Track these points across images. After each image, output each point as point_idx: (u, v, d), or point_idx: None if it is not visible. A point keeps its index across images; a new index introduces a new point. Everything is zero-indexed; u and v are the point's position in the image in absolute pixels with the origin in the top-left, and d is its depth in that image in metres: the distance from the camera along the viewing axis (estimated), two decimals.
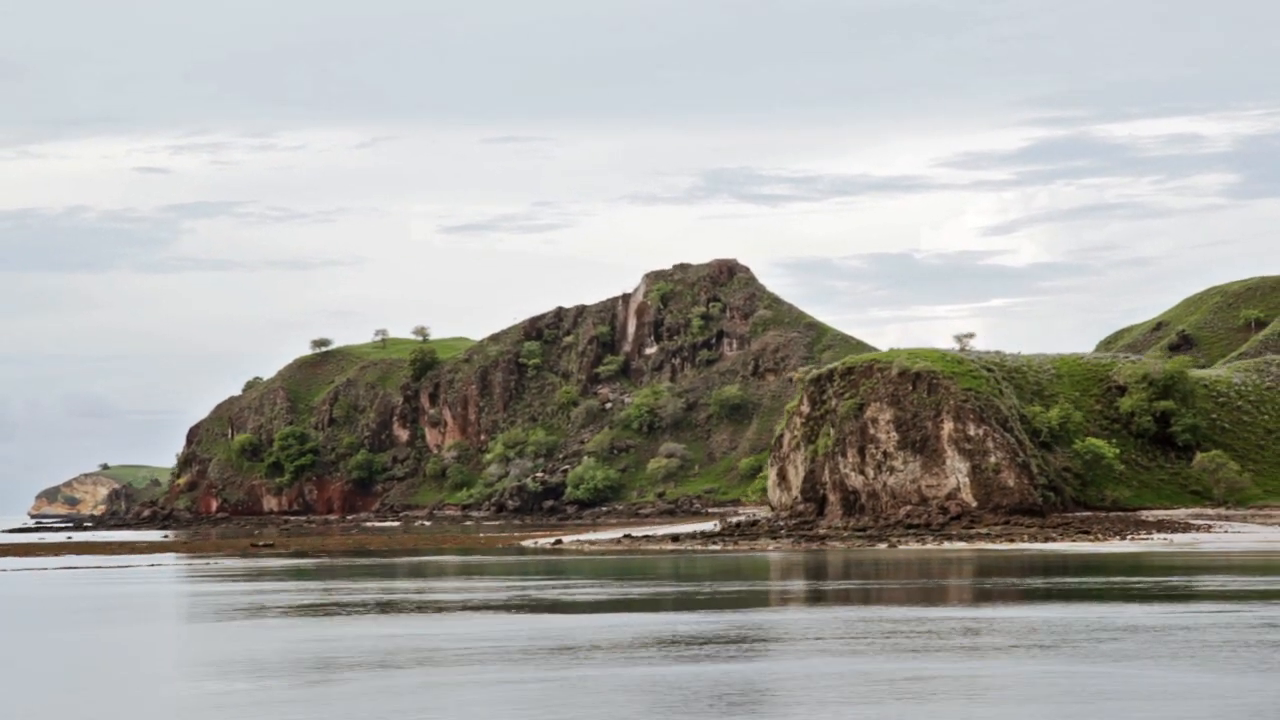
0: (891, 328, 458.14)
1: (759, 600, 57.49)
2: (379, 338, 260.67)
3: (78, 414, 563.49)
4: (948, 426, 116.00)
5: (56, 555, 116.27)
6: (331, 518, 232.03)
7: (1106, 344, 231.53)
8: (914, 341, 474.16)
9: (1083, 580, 65.91)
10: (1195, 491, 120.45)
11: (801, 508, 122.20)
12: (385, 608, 55.92)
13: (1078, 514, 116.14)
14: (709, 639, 41.60)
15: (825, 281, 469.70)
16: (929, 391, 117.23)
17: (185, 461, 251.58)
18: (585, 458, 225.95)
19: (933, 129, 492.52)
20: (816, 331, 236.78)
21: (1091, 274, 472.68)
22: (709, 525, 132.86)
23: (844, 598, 57.36)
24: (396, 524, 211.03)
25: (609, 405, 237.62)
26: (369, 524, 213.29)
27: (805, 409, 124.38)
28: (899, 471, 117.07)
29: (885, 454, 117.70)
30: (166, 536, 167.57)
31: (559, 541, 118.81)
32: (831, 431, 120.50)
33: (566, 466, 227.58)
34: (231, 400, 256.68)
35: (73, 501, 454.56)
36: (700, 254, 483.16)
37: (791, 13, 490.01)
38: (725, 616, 48.86)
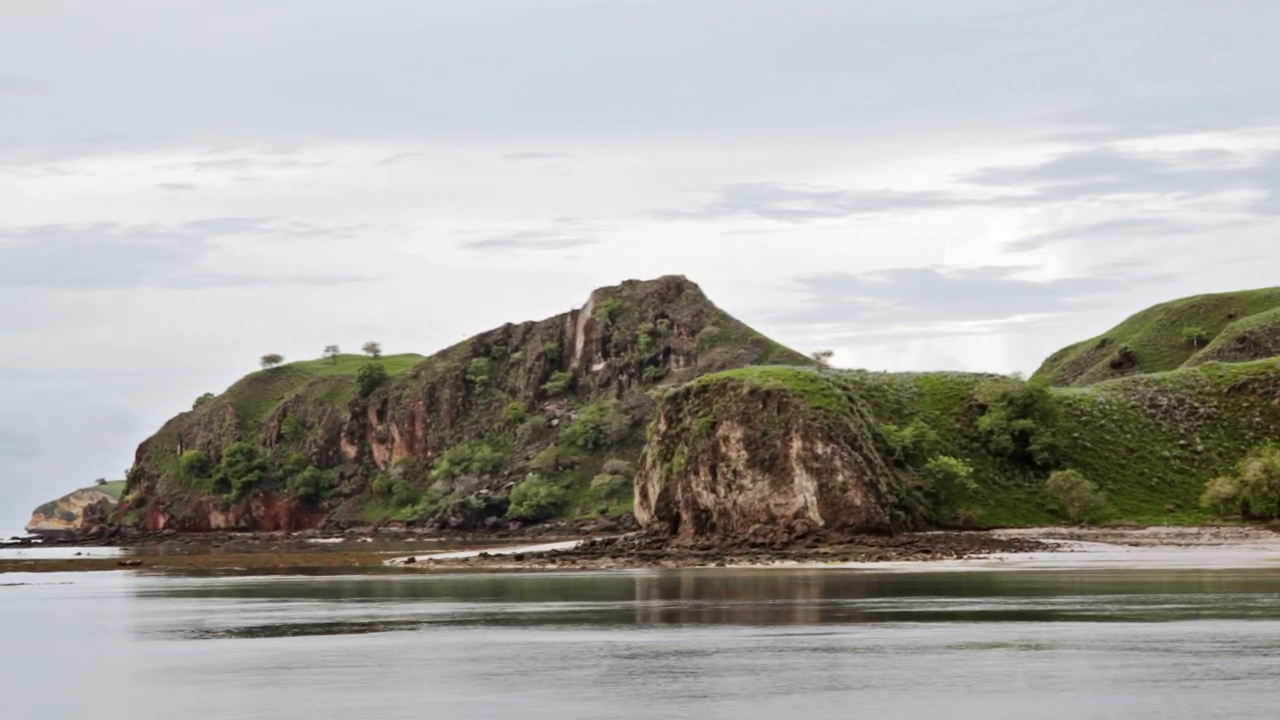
0: (915, 344, 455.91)
1: (426, 621, 57.35)
2: (329, 354, 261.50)
3: (102, 429, 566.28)
4: (796, 445, 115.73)
5: None
6: (278, 534, 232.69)
7: (1052, 361, 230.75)
8: (937, 358, 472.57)
9: (785, 601, 65.69)
10: (1052, 510, 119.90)
11: (657, 526, 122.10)
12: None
13: (927, 533, 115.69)
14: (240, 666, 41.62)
15: (847, 297, 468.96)
16: (779, 410, 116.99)
17: (134, 478, 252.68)
18: (530, 474, 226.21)
19: (955, 145, 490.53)
20: (764, 348, 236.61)
21: (1117, 290, 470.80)
22: (571, 544, 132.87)
23: (507, 620, 57.20)
24: (340, 540, 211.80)
25: (555, 422, 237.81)
26: (313, 540, 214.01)
27: (663, 427, 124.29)
28: (748, 490, 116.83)
29: (735, 472, 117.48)
30: (80, 554, 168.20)
31: (411, 560, 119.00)
32: (685, 450, 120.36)
33: (511, 483, 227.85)
34: (181, 416, 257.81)
35: (70, 516, 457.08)
36: (722, 269, 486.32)
37: (813, 29, 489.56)
38: (335, 642, 48.86)
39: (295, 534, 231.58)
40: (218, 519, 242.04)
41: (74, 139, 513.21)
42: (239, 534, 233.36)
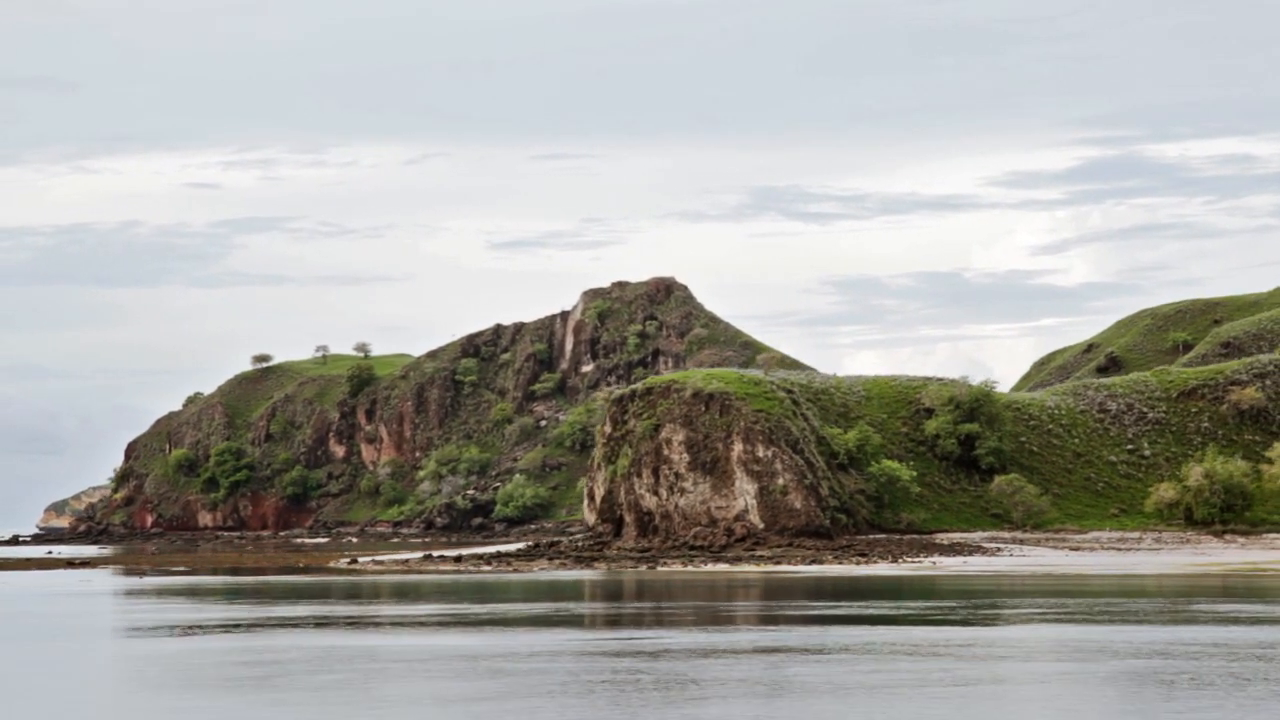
0: (941, 347, 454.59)
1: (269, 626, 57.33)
2: (319, 354, 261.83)
3: (126, 428, 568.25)
4: (737, 448, 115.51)
5: None
6: (265, 533, 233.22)
7: (1040, 365, 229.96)
8: (964, 361, 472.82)
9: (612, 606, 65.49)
10: (996, 514, 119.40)
11: (601, 528, 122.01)
12: None
13: (868, 536, 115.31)
14: None
15: (874, 300, 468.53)
16: (721, 413, 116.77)
17: (123, 476, 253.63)
18: (517, 475, 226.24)
19: (981, 148, 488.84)
20: (752, 350, 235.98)
21: (1143, 294, 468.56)
22: (518, 545, 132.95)
23: (362, 624, 57.21)
24: (326, 540, 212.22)
25: (543, 423, 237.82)
26: (299, 540, 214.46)
27: (608, 429, 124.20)
28: (689, 493, 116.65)
29: (677, 475, 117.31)
30: (50, 553, 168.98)
31: (354, 561, 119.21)
32: (629, 452, 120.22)
33: (498, 484, 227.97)
34: (171, 415, 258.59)
35: (78, 514, 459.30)
36: (750, 272, 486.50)
37: (839, 33, 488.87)
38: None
39: (282, 534, 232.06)
40: (205, 518, 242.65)
41: (101, 138, 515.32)
42: (226, 533, 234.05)
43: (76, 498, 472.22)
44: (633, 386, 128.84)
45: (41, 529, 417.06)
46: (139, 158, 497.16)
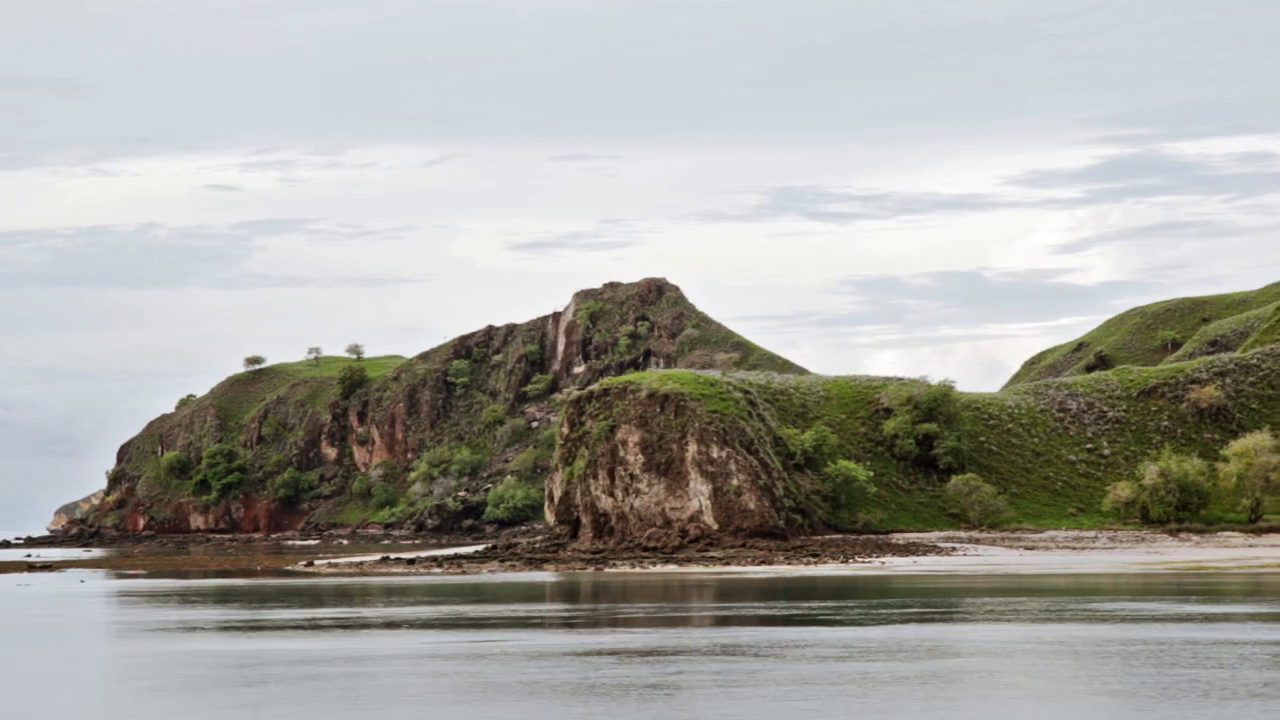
0: (961, 346, 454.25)
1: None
2: (312, 355, 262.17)
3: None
4: (692, 449, 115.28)
5: None
6: (256, 536, 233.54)
7: (1030, 364, 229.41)
8: (983, 360, 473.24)
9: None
10: (953, 514, 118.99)
11: (559, 530, 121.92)
12: None
13: (824, 537, 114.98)
14: None
15: (894, 300, 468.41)
16: (676, 414, 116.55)
17: (115, 479, 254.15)
18: (508, 476, 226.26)
19: (1001, 147, 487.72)
20: (744, 350, 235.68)
21: (1163, 292, 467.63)
22: (476, 548, 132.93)
23: (251, 628, 57.21)
24: (317, 542, 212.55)
25: (535, 424, 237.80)
26: (290, 542, 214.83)
27: (565, 431, 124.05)
28: (644, 494, 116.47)
29: (632, 476, 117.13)
30: (29, 556, 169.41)
31: (310, 563, 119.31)
32: (586, 453, 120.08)
33: (489, 485, 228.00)
34: (163, 418, 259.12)
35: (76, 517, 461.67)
36: (769, 272, 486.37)
37: (858, 32, 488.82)
38: None
39: (274, 536, 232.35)
40: (197, 520, 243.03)
41: (119, 140, 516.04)
42: (218, 536, 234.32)
43: (86, 500, 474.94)
44: (590, 388, 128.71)
45: (51, 531, 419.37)
46: (157, 159, 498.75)
